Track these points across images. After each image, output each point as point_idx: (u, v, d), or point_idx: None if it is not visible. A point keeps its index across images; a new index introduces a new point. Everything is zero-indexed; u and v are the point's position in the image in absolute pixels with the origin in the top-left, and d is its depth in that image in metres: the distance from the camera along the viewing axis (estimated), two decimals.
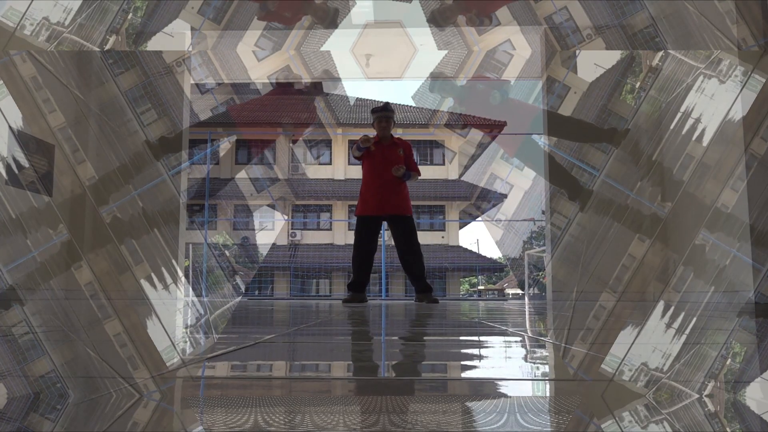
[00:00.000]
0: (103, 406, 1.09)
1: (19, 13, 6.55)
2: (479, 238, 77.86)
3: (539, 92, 8.39)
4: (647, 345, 2.11)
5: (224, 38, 7.51)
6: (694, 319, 3.41)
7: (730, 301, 5.66)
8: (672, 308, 4.93)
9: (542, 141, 7.81)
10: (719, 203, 6.24)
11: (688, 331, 2.70)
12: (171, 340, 2.26)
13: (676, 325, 3.14)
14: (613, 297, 6.95)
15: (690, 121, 6.79)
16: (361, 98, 24.76)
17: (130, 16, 6.88)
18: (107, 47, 6.83)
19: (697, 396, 1.20)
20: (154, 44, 7.12)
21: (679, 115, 6.87)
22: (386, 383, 1.34)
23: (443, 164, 24.57)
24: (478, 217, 23.97)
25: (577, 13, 6.97)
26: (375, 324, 3.22)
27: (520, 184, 11.74)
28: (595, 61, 7.39)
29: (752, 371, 1.58)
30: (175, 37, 7.25)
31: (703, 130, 6.66)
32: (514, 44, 7.55)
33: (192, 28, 7.25)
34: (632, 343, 2.15)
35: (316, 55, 8.77)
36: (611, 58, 7.25)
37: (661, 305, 5.54)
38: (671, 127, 6.97)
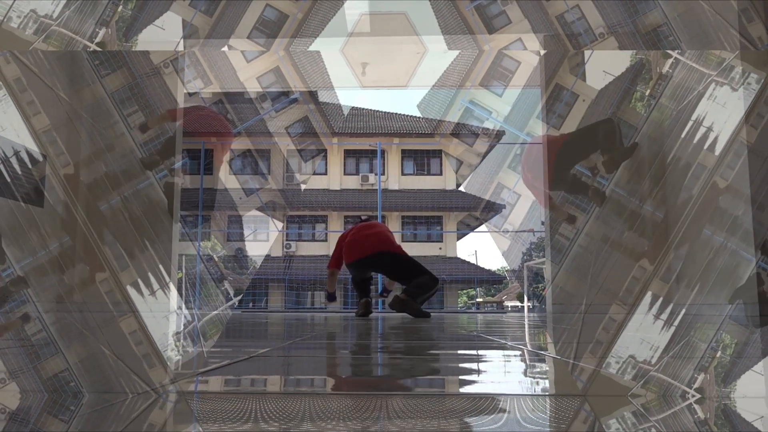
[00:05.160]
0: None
1: (6, 5, 6.34)
2: (478, 249, 77.74)
3: (540, 106, 8.01)
4: (650, 352, 2.13)
5: (216, 32, 7.21)
6: (701, 325, 3.42)
7: (740, 312, 5.52)
8: (677, 318, 4.91)
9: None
10: (726, 206, 6.06)
11: (690, 336, 2.74)
12: (161, 354, 2.24)
13: (681, 333, 3.17)
14: (622, 309, 6.72)
15: (702, 130, 6.58)
16: (356, 107, 24.59)
17: (120, 8, 6.66)
18: (97, 40, 6.59)
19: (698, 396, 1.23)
20: (144, 37, 6.88)
21: (691, 123, 6.65)
22: (383, 397, 1.32)
23: (441, 174, 24.29)
24: (476, 227, 23.71)
25: (589, 12, 6.78)
26: (371, 337, 3.23)
27: (528, 193, 11.49)
28: (604, 66, 7.14)
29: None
30: (166, 31, 6.98)
31: (716, 137, 6.46)
32: (525, 44, 7.30)
33: (183, 21, 6.99)
34: (634, 353, 2.14)
35: (306, 55, 8.46)
36: (622, 59, 7.00)
37: (666, 313, 5.54)
38: (683, 134, 6.75)
